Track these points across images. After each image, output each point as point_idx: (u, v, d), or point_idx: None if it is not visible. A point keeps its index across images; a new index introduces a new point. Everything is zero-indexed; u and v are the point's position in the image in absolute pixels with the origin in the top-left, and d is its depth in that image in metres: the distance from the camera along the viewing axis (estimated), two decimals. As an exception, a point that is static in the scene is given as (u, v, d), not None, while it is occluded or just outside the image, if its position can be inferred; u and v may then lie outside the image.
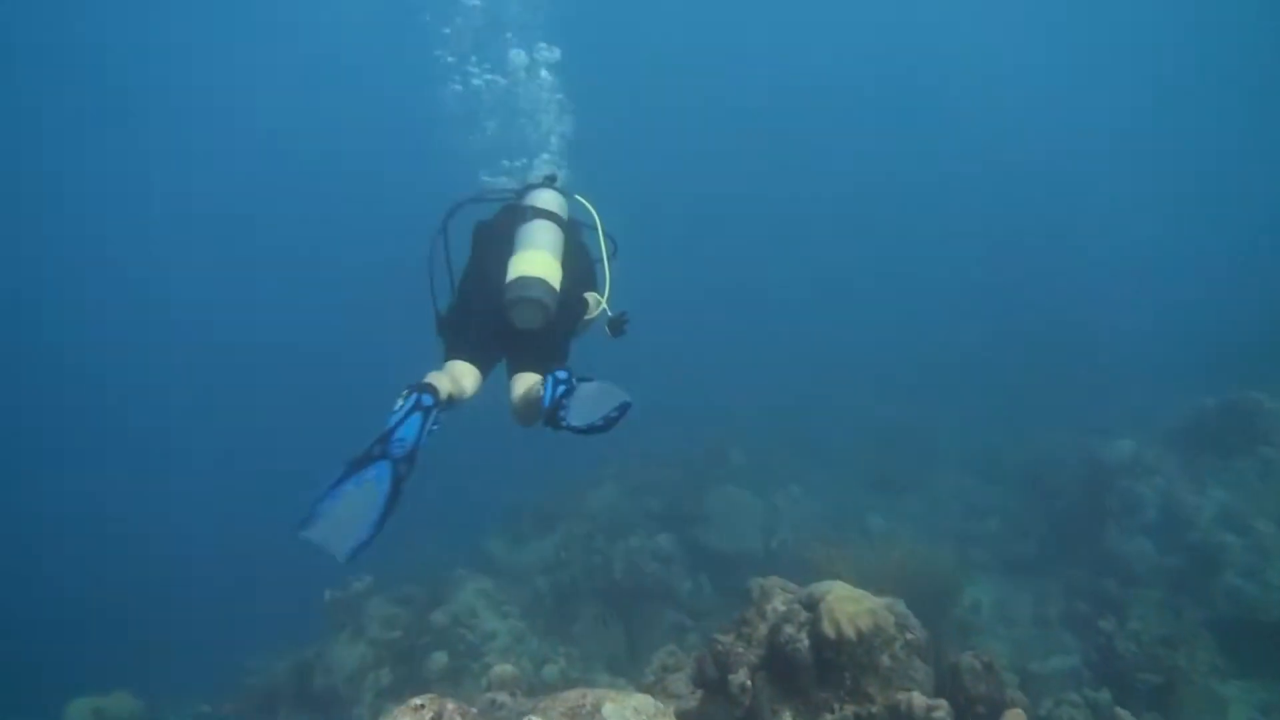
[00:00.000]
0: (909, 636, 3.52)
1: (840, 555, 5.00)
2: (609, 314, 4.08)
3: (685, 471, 11.04)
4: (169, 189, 32.62)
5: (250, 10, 28.86)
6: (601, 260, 4.16)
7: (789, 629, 3.34)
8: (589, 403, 3.07)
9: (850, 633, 3.24)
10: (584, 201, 4.24)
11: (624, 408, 3.06)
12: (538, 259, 3.60)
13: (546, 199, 3.97)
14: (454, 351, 3.69)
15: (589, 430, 3.02)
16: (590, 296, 4.04)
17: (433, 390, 3.17)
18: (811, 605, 3.41)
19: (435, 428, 3.09)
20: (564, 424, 3.04)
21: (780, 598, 3.65)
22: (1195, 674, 6.42)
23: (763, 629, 3.52)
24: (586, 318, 4.04)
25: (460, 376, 3.57)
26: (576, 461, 13.29)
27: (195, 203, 32.81)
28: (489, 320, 3.62)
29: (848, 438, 15.18)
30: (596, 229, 4.12)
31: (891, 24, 33.98)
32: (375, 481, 2.82)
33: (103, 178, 32.37)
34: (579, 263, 4.02)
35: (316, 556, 2.70)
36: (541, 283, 3.51)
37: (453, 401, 3.44)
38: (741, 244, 33.31)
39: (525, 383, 3.61)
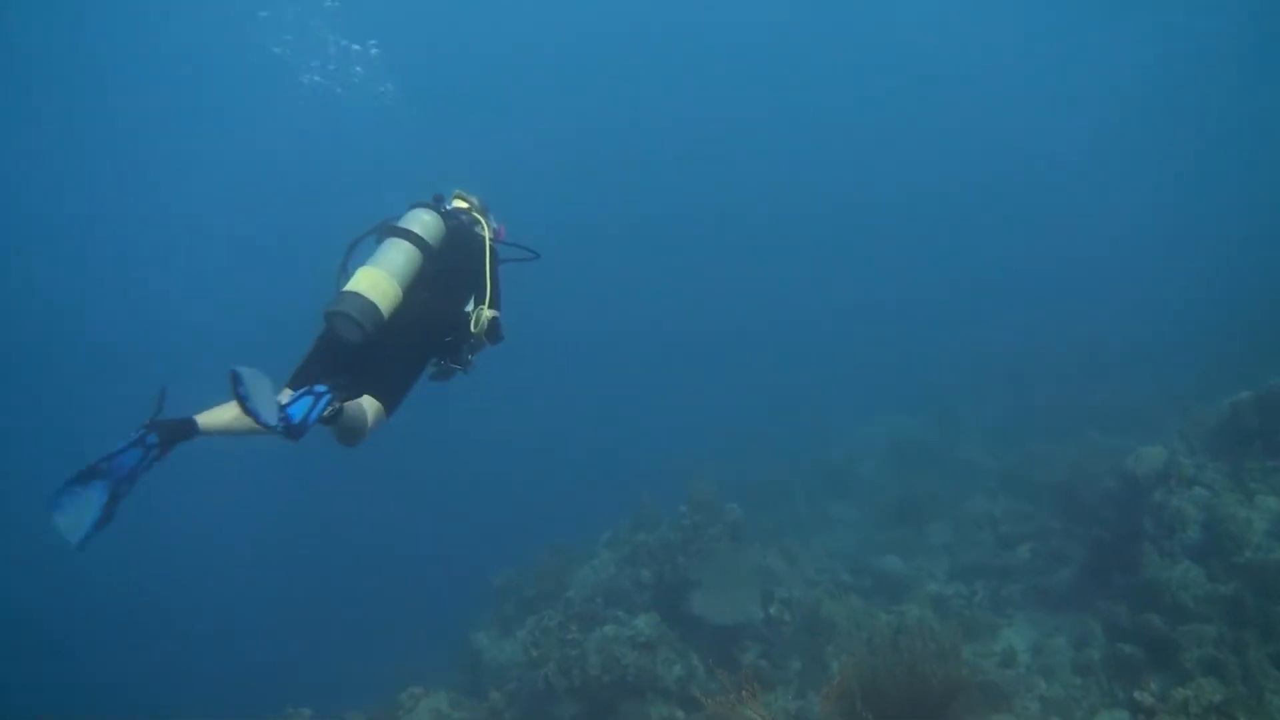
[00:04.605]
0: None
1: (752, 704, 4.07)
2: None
3: (677, 532, 10.05)
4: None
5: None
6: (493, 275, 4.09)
7: None
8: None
9: None
10: (479, 217, 4.24)
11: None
12: (366, 276, 3.57)
13: (410, 218, 3.94)
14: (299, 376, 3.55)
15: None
16: (479, 310, 3.97)
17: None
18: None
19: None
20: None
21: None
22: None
23: None
24: (475, 330, 3.94)
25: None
26: (578, 526, 12.43)
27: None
28: (329, 338, 3.60)
29: (864, 463, 14.17)
30: (489, 244, 4.09)
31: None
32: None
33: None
34: (460, 278, 3.99)
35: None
36: (357, 298, 3.47)
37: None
38: (731, 269, 32.44)
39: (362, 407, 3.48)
